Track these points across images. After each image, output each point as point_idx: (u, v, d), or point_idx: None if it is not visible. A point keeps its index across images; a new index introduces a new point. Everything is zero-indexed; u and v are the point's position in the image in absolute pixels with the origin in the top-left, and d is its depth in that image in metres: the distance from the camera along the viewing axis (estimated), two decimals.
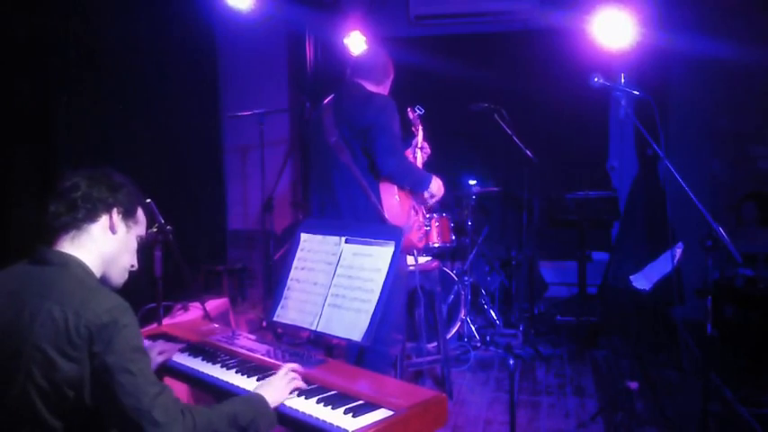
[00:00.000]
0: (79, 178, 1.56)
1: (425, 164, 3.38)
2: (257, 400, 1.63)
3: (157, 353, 2.04)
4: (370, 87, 3.05)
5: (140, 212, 1.69)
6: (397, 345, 3.20)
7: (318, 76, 5.90)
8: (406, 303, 3.44)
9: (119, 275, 1.64)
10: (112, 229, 1.59)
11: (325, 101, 3.12)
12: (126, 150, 4.42)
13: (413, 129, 3.41)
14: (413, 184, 3.06)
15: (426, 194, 3.17)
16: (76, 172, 1.58)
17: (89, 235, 1.55)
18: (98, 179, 1.58)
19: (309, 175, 3.13)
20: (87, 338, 1.36)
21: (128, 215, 1.63)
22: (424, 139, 3.41)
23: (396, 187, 2.96)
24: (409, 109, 3.42)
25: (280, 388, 1.70)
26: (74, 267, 1.50)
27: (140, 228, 1.69)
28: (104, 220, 1.57)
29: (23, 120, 3.72)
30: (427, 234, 3.88)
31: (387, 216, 2.89)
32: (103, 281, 1.59)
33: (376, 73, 3.09)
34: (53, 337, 1.37)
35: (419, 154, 3.35)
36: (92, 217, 1.55)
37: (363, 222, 2.84)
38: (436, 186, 3.16)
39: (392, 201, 2.93)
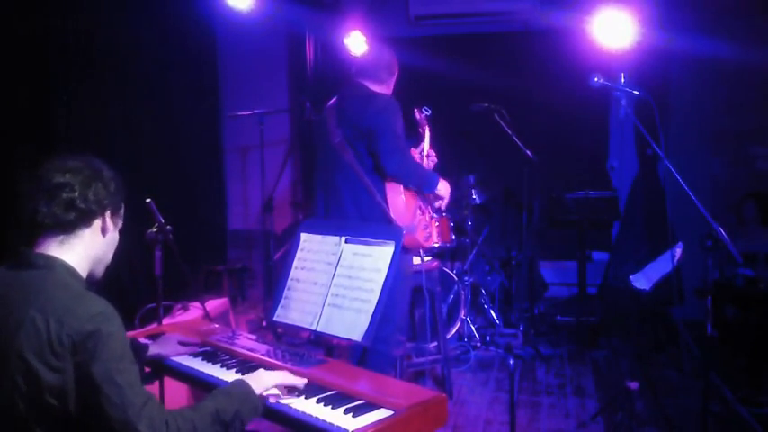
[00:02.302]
0: (70, 175, 1.47)
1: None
2: (239, 388, 1.60)
3: (177, 342, 2.08)
4: (373, 87, 3.04)
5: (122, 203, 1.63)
6: (400, 346, 3.19)
7: (318, 77, 5.90)
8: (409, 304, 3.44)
9: (101, 271, 1.61)
10: (104, 232, 1.55)
11: (329, 102, 3.11)
12: (126, 150, 4.43)
13: (419, 130, 3.39)
14: (419, 184, 3.05)
15: (433, 197, 3.17)
16: (57, 164, 1.49)
17: (80, 238, 1.50)
18: (91, 177, 1.50)
19: (314, 177, 3.11)
20: (70, 347, 1.33)
21: (116, 212, 1.59)
22: (431, 140, 3.38)
23: (401, 187, 2.95)
24: (416, 110, 3.40)
25: (265, 376, 1.69)
26: (59, 271, 1.45)
27: (121, 219, 1.63)
28: (98, 222, 1.53)
29: (23, 119, 3.71)
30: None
31: (392, 215, 2.88)
32: (87, 278, 1.55)
33: (380, 72, 3.07)
34: (36, 347, 1.34)
35: (425, 162, 3.33)
36: (87, 221, 1.50)
37: (365, 222, 2.84)
38: (444, 188, 3.15)
39: (398, 200, 2.92)
